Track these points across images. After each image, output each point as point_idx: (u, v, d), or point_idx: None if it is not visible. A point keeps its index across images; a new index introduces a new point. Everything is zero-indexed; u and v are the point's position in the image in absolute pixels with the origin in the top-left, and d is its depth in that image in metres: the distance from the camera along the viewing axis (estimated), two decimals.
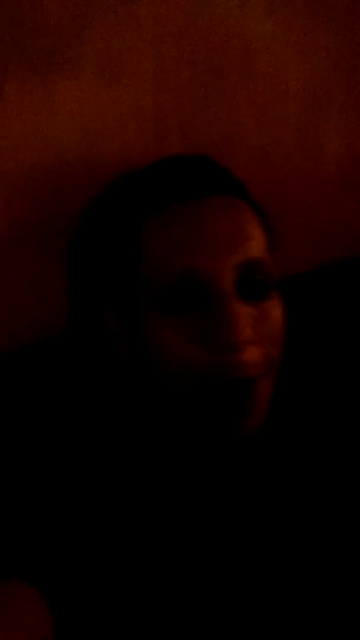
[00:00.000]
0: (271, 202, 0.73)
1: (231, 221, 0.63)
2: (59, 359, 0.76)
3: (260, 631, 0.59)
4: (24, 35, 0.72)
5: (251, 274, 0.61)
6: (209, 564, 0.60)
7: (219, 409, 0.60)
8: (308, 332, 0.89)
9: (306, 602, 0.62)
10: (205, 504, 0.64)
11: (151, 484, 0.64)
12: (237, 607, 0.59)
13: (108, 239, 0.69)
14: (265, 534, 0.65)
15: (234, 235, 0.62)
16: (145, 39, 0.79)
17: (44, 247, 0.76)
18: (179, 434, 0.66)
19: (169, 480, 0.65)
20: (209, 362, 0.59)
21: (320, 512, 0.67)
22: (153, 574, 0.59)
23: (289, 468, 0.70)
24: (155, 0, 0.79)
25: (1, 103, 0.72)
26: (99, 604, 0.56)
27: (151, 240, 0.62)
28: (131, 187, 0.69)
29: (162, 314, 0.60)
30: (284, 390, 0.66)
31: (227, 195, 0.65)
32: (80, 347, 0.75)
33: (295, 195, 0.99)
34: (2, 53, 0.71)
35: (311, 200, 1.02)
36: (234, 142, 0.89)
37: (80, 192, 0.77)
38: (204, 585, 0.59)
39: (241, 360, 0.58)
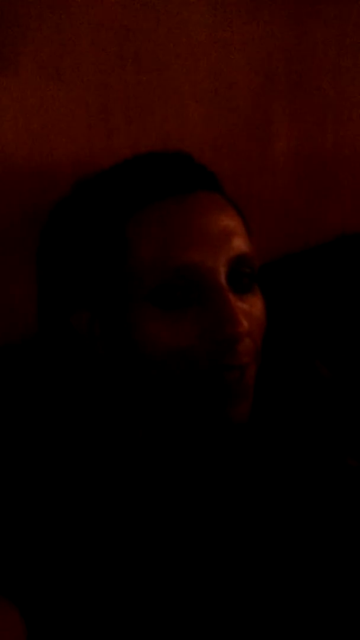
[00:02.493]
0: None
1: (220, 216, 0.63)
2: (28, 362, 0.75)
3: (252, 615, 0.60)
4: None
5: (239, 268, 0.62)
6: (204, 552, 0.61)
7: (214, 396, 0.61)
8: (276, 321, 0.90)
9: (300, 584, 0.62)
10: (201, 493, 0.65)
11: (143, 479, 0.65)
12: (232, 589, 0.60)
13: (85, 238, 0.67)
14: (260, 519, 0.66)
15: (224, 230, 0.62)
16: (86, 35, 0.78)
17: None
18: (170, 427, 0.67)
19: (162, 473, 0.66)
20: (205, 353, 0.60)
21: (309, 496, 0.69)
22: (147, 561, 0.59)
23: (276, 454, 0.72)
24: None
25: None
26: (87, 597, 0.56)
27: (139, 236, 0.61)
28: (111, 183, 0.67)
29: (158, 309, 0.60)
30: (262, 379, 0.67)
31: (211, 191, 0.66)
32: (51, 349, 0.74)
33: (248, 187, 0.99)
34: None
35: (264, 191, 1.02)
36: (183, 135, 0.89)
37: (28, 192, 0.76)
38: (199, 572, 0.60)
39: (238, 350, 0.60)
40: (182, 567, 0.60)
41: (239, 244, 0.62)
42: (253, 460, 0.70)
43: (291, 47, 1.00)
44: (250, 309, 0.62)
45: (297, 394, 0.85)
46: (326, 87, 1.08)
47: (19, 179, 0.75)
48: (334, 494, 0.71)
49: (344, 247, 1.23)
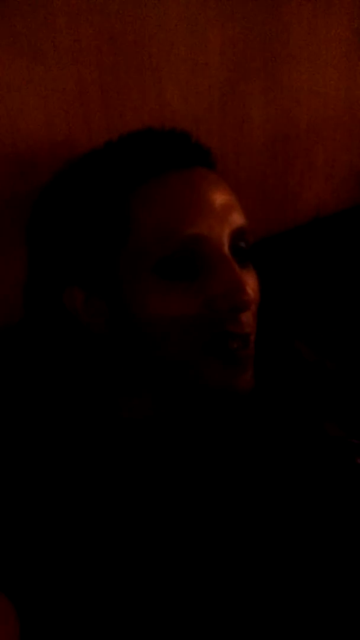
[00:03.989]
0: None
1: (220, 189, 0.64)
2: (17, 344, 0.74)
3: (253, 608, 0.60)
4: None
5: (238, 242, 0.64)
6: (208, 535, 0.62)
7: (219, 364, 0.62)
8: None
9: (300, 570, 0.63)
10: (209, 465, 0.67)
11: (148, 457, 0.65)
12: (233, 578, 0.61)
13: (82, 213, 0.66)
14: (266, 494, 0.67)
15: (225, 204, 0.63)
16: (62, 14, 0.76)
17: None
18: (175, 400, 0.67)
19: (170, 447, 0.66)
20: (210, 323, 0.61)
21: (300, 471, 0.70)
22: (147, 548, 0.59)
23: (276, 426, 0.74)
24: None
25: None
26: (85, 592, 0.56)
27: (143, 208, 0.61)
28: (110, 158, 0.67)
29: (165, 280, 0.60)
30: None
31: (209, 166, 0.68)
32: (42, 329, 0.73)
33: (224, 167, 0.99)
34: None
35: (240, 172, 1.03)
36: (161, 117, 0.88)
37: (9, 173, 0.75)
38: (201, 556, 0.60)
39: (241, 319, 0.62)
40: (183, 555, 0.60)
41: (239, 217, 0.64)
42: (252, 429, 0.72)
43: (266, 26, 1.00)
44: (249, 282, 0.64)
45: (279, 371, 0.86)
46: (300, 67, 1.08)
47: None
48: (322, 461, 0.72)
49: (319, 228, 1.25)
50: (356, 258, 1.24)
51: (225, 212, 0.63)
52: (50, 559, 0.57)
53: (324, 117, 1.18)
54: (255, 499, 0.66)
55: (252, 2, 0.96)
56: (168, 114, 0.89)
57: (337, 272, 1.20)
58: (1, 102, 0.73)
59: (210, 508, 0.63)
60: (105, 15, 0.80)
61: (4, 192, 0.75)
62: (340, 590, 0.62)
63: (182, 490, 0.63)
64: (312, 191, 1.21)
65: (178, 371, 0.63)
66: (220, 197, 0.63)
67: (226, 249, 0.62)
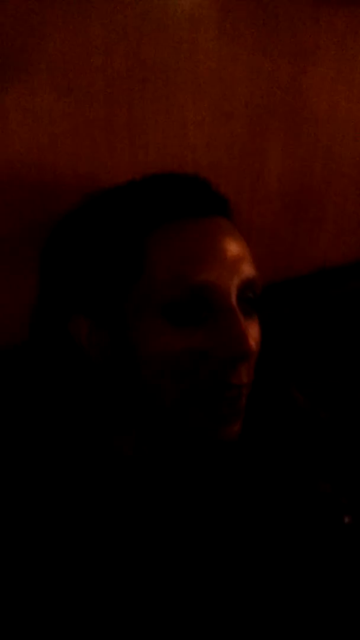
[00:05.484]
0: None
1: (234, 240, 0.65)
2: (20, 368, 0.75)
3: (242, 620, 0.61)
4: None
5: (246, 292, 0.65)
6: (199, 562, 0.63)
7: (211, 413, 0.63)
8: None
9: (290, 588, 0.65)
10: (191, 505, 0.67)
11: (135, 492, 0.65)
12: (226, 598, 0.62)
13: (97, 247, 0.67)
14: (252, 533, 0.68)
15: (237, 255, 0.64)
16: (96, 53, 0.80)
17: None
18: (163, 440, 0.68)
19: (154, 485, 0.67)
20: (210, 371, 0.61)
21: (287, 516, 0.71)
22: (141, 574, 0.60)
23: (263, 470, 0.74)
24: (106, 16, 0.80)
25: None
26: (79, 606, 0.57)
27: (158, 250, 0.63)
28: (131, 197, 0.68)
29: (171, 324, 0.61)
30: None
31: (225, 217, 0.68)
32: (46, 355, 0.74)
33: (239, 215, 1.01)
34: None
35: (254, 220, 1.05)
36: (183, 158, 0.91)
37: (29, 202, 0.77)
38: (194, 580, 0.61)
39: (239, 370, 0.62)
40: (170, 578, 0.61)
41: (249, 269, 0.65)
42: (239, 476, 0.72)
43: (290, 84, 1.04)
44: (252, 333, 0.65)
45: (274, 418, 0.87)
46: (319, 125, 1.12)
47: (22, 189, 0.76)
48: (309, 517, 0.73)
49: (324, 279, 1.27)
50: (356, 313, 1.26)
51: (236, 262, 0.64)
52: (36, 593, 0.57)
53: (337, 173, 1.21)
54: (234, 546, 0.66)
55: (279, 60, 1.00)
56: (190, 158, 0.92)
57: (338, 324, 1.22)
58: (31, 132, 0.76)
59: (187, 552, 0.64)
60: (139, 59, 0.83)
61: (24, 218, 0.77)
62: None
63: (160, 533, 0.64)
64: (321, 243, 1.24)
65: (167, 414, 0.64)
66: (233, 248, 0.64)
67: (233, 298, 0.62)
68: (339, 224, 1.27)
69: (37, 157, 0.76)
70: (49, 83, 0.75)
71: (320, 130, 1.12)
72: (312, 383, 1.06)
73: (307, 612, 0.65)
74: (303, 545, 0.70)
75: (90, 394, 0.72)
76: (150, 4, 0.83)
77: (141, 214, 0.65)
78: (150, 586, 0.60)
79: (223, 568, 0.64)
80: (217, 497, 0.70)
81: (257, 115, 1.00)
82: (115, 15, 0.80)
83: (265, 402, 0.88)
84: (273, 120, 1.02)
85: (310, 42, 1.05)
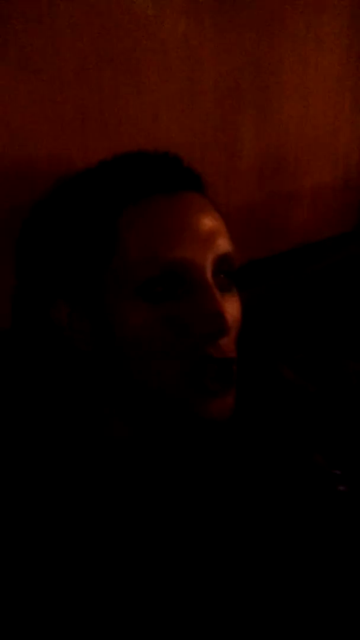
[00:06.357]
0: None
1: (207, 215, 0.65)
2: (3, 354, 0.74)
3: (239, 606, 0.61)
4: None
5: (222, 267, 0.64)
6: (193, 545, 0.62)
7: (199, 390, 0.62)
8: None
9: (288, 573, 0.64)
10: (187, 491, 0.66)
11: (123, 476, 0.65)
12: (215, 586, 0.61)
13: (71, 230, 0.67)
14: (245, 514, 0.67)
15: (211, 230, 0.64)
16: (64, 34, 0.78)
17: None
18: (150, 422, 0.67)
19: (149, 468, 0.66)
20: (189, 347, 0.61)
21: (283, 493, 0.71)
22: (138, 554, 0.60)
23: (256, 446, 0.74)
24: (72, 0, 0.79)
25: None
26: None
27: (129, 230, 0.62)
28: (101, 177, 0.68)
29: (146, 302, 0.61)
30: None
31: (197, 192, 0.67)
32: (28, 341, 0.73)
33: (215, 193, 1.01)
34: None
35: (230, 198, 1.05)
36: (156, 140, 0.90)
37: (3, 187, 0.76)
38: (189, 569, 0.61)
39: (220, 345, 0.62)
40: (167, 572, 0.60)
41: (224, 243, 0.64)
42: (233, 452, 0.72)
43: (259, 60, 1.03)
44: (230, 306, 0.64)
45: (263, 393, 0.87)
46: (290, 99, 1.12)
47: None
48: (303, 491, 0.73)
49: (302, 256, 1.27)
50: (338, 286, 1.27)
51: (210, 238, 0.63)
52: (32, 581, 0.57)
53: (311, 148, 1.21)
54: (231, 523, 0.66)
55: (247, 35, 1.00)
56: (163, 138, 0.92)
57: (320, 299, 1.22)
58: (4, 119, 0.74)
59: (183, 533, 0.63)
60: (107, 39, 0.82)
61: (3, 204, 0.76)
62: (323, 614, 0.63)
63: (156, 513, 0.63)
64: (298, 218, 1.24)
65: (157, 395, 0.63)
66: (206, 223, 0.64)
67: (209, 274, 0.62)
68: (315, 199, 1.28)
69: (9, 141, 0.75)
70: (17, 65, 0.74)
71: (293, 104, 1.13)
72: (297, 357, 1.07)
73: (306, 584, 0.65)
74: (299, 518, 0.70)
75: (76, 379, 0.71)
76: None
77: (111, 194, 0.65)
78: (148, 565, 0.60)
79: (221, 546, 0.64)
80: (212, 474, 0.69)
81: (227, 91, 0.99)
82: None
83: (253, 377, 0.89)
84: (244, 96, 1.02)
85: (276, 15, 1.05)
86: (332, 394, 0.96)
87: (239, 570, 0.63)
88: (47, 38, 0.76)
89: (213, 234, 0.63)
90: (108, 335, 0.63)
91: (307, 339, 1.14)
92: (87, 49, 0.80)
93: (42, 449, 0.67)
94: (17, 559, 0.59)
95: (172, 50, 0.91)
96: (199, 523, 0.65)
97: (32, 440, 0.68)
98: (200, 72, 0.95)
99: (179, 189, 0.65)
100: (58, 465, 0.65)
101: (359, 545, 0.69)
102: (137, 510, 0.63)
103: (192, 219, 0.63)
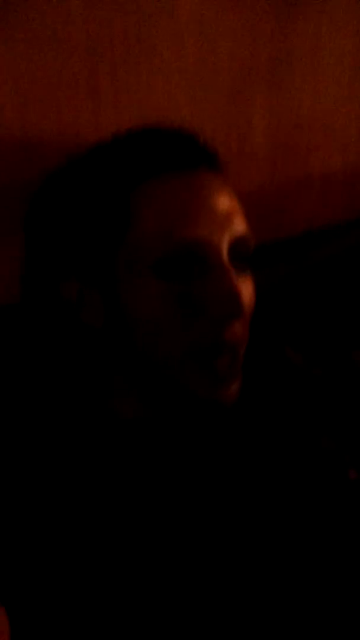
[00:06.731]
0: None
1: (224, 195, 0.63)
2: (11, 329, 0.73)
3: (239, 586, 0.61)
4: None
5: (238, 248, 0.62)
6: (197, 525, 0.62)
7: (207, 374, 0.61)
8: None
9: (290, 555, 0.64)
10: (191, 472, 0.66)
11: (136, 454, 0.64)
12: (221, 573, 0.61)
13: (83, 206, 0.65)
14: (250, 497, 0.66)
15: (228, 209, 0.62)
16: (76, 7, 0.77)
17: None
18: (159, 404, 0.66)
19: (155, 449, 0.66)
20: (202, 329, 0.60)
21: (291, 477, 0.70)
22: (142, 534, 0.59)
23: (257, 435, 0.73)
24: None
25: None
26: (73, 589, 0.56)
27: (144, 207, 0.60)
28: (115, 153, 0.66)
29: (161, 280, 0.59)
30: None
31: (214, 170, 0.65)
32: (37, 317, 0.72)
33: (227, 169, 1.00)
34: None
35: (241, 178, 1.03)
36: (168, 115, 0.88)
37: (12, 159, 0.74)
38: (190, 557, 0.60)
39: (234, 328, 0.61)
40: (173, 553, 0.60)
41: (241, 224, 0.63)
42: (240, 436, 0.71)
43: (273, 36, 1.02)
44: (244, 290, 0.63)
45: (270, 377, 0.86)
46: (304, 78, 1.10)
47: (4, 145, 0.73)
48: (311, 474, 0.72)
49: (311, 241, 1.26)
50: (345, 272, 1.26)
51: (227, 218, 0.61)
52: (38, 557, 0.57)
53: (322, 132, 1.20)
54: (237, 505, 0.66)
55: (262, 12, 0.98)
56: (175, 113, 0.90)
57: (326, 284, 1.21)
58: (12, 89, 0.73)
59: (192, 513, 0.63)
60: (120, 11, 0.81)
61: (11, 177, 0.75)
62: (330, 598, 0.62)
63: (165, 494, 0.63)
64: (307, 202, 1.22)
65: (165, 375, 0.62)
66: (223, 203, 0.62)
67: (225, 255, 0.60)
68: (325, 183, 1.26)
69: (20, 112, 0.73)
70: (27, 39, 0.73)
71: (306, 84, 1.11)
72: (304, 341, 1.06)
73: (312, 567, 0.65)
74: (308, 502, 0.69)
75: (85, 356, 0.71)
76: None
77: (125, 170, 0.63)
78: (151, 545, 0.60)
79: (226, 528, 0.64)
80: (218, 458, 0.69)
81: (241, 70, 0.98)
82: None
83: (261, 361, 0.88)
84: (257, 73, 1.01)
85: None
86: (339, 379, 0.95)
87: (244, 552, 0.63)
88: (59, 10, 0.75)
89: (230, 214, 0.62)
90: (118, 311, 0.62)
91: (314, 324, 1.13)
92: (100, 22, 0.79)
93: (50, 423, 0.66)
94: (18, 534, 0.58)
95: (186, 27, 0.89)
96: (203, 502, 0.64)
97: (40, 414, 0.67)
98: (214, 48, 0.93)
99: (195, 167, 0.63)
100: (65, 439, 0.64)
101: None
102: (142, 487, 0.63)
103: (210, 198, 0.61)
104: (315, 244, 1.26)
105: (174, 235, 0.59)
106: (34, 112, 0.75)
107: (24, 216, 0.76)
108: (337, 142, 1.24)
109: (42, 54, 0.74)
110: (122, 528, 0.60)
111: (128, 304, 0.61)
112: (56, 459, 0.63)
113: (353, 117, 1.25)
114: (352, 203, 1.40)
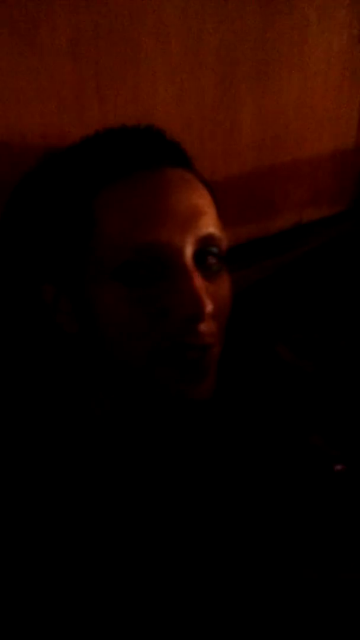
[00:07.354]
0: None
1: (187, 194, 0.61)
2: None
3: (226, 583, 0.61)
4: None
5: (206, 248, 0.61)
6: (178, 526, 0.62)
7: (173, 374, 0.61)
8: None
9: (271, 547, 0.64)
10: (169, 469, 0.66)
11: (113, 459, 0.65)
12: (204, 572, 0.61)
13: (51, 211, 0.65)
14: (227, 491, 0.67)
15: (192, 209, 0.60)
16: (60, 7, 0.76)
17: None
18: (131, 404, 0.67)
19: (133, 450, 0.66)
20: (167, 332, 0.59)
21: (273, 473, 0.71)
22: (122, 535, 0.60)
23: (240, 432, 0.73)
24: None
25: None
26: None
27: (106, 212, 0.60)
28: (79, 157, 0.65)
29: (123, 286, 0.59)
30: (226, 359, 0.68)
31: (179, 167, 0.64)
32: (15, 321, 0.72)
33: (213, 169, 1.00)
34: None
35: (229, 175, 1.03)
36: (154, 114, 0.89)
37: None
38: (177, 548, 0.61)
39: (200, 330, 0.60)
40: (153, 550, 0.60)
41: (207, 223, 0.61)
42: (220, 433, 0.72)
43: (259, 33, 1.01)
44: (216, 290, 0.62)
45: (259, 375, 0.87)
46: (290, 75, 1.10)
47: None
48: (298, 471, 0.73)
49: (301, 235, 1.26)
50: (336, 265, 1.26)
51: (190, 217, 0.60)
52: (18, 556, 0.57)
53: (310, 125, 1.19)
54: (219, 501, 0.66)
55: (248, 8, 0.98)
56: (161, 112, 0.90)
57: (318, 278, 1.22)
58: None
59: (171, 511, 0.63)
60: (104, 11, 0.80)
61: None
62: (318, 594, 0.63)
63: (142, 493, 0.63)
64: (296, 197, 1.23)
65: (135, 376, 0.62)
66: (186, 201, 0.60)
67: (187, 257, 0.59)
68: (313, 177, 1.26)
69: (3, 114, 0.73)
70: (10, 39, 0.72)
71: (293, 80, 1.10)
72: (294, 337, 1.06)
73: (301, 562, 0.65)
74: (293, 495, 0.70)
75: (63, 360, 0.71)
76: None
77: (87, 174, 0.62)
78: (133, 543, 0.60)
79: (210, 526, 0.64)
80: (197, 456, 0.69)
81: (227, 66, 0.97)
82: None
83: (250, 358, 0.88)
84: (243, 70, 1.00)
85: None
86: (329, 374, 0.96)
87: (230, 549, 0.63)
88: (42, 10, 0.74)
89: (194, 214, 0.60)
90: (89, 317, 0.62)
91: (305, 318, 1.13)
92: (83, 21, 0.78)
93: (27, 426, 0.66)
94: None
95: (170, 23, 0.89)
96: (182, 499, 0.65)
97: (16, 416, 0.67)
98: (199, 45, 0.93)
99: (156, 166, 0.61)
100: (42, 440, 0.64)
101: (356, 524, 0.69)
102: (121, 487, 0.63)
103: (171, 198, 0.60)
104: (304, 236, 1.26)
105: (133, 240, 0.58)
106: (17, 113, 0.74)
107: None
108: (324, 137, 1.24)
109: (25, 56, 0.74)
110: (101, 525, 0.60)
111: (96, 309, 0.61)
112: (32, 459, 0.63)
113: (342, 110, 1.25)
114: (341, 194, 1.40)
